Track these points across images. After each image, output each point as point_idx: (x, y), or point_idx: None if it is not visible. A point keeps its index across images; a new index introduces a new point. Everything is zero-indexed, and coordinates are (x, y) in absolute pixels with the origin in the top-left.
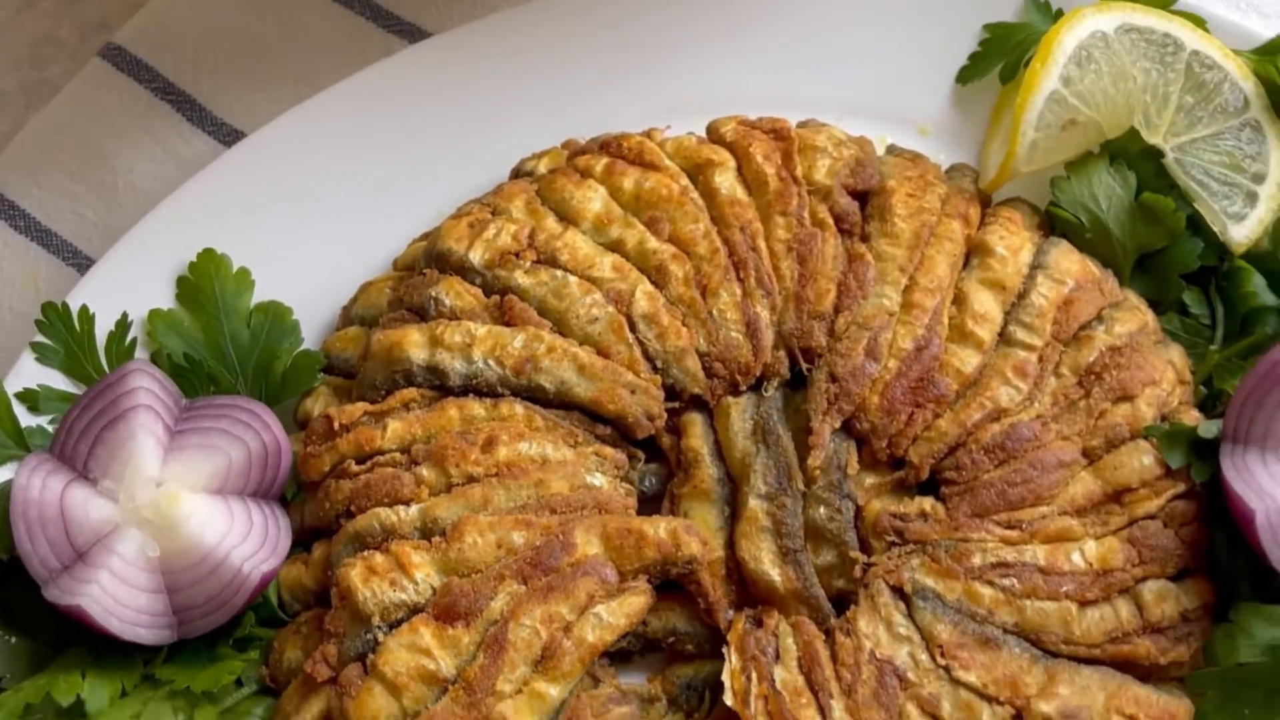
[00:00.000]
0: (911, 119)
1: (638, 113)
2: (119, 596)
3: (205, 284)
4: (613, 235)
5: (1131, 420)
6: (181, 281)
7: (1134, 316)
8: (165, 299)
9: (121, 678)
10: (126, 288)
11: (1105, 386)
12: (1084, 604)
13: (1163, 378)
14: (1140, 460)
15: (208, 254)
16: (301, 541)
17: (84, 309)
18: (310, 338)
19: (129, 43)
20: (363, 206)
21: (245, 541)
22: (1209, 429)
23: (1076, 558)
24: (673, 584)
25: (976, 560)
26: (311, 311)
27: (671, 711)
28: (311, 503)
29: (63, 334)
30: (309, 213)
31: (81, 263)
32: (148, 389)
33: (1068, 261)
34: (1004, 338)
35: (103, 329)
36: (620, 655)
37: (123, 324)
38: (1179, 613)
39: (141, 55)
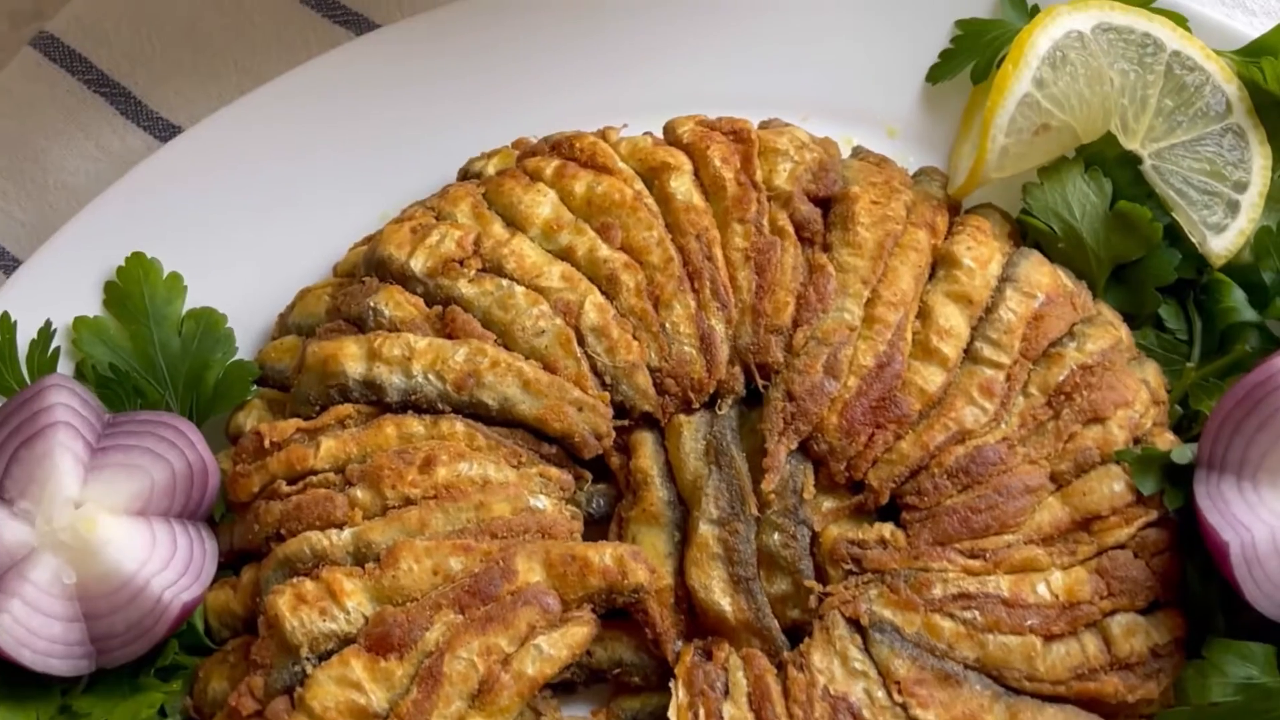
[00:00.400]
0: (879, 119)
1: (593, 110)
2: (32, 626)
3: (134, 290)
4: (562, 242)
5: (1102, 443)
6: (109, 287)
7: (1107, 333)
8: (93, 305)
9: (37, 710)
10: (52, 294)
11: (1075, 407)
12: (1049, 638)
13: (1136, 398)
14: (1111, 486)
15: (137, 258)
16: (230, 564)
17: (4, 316)
18: (245, 346)
19: (62, 31)
20: (303, 207)
21: (167, 568)
22: (1183, 454)
23: (1042, 589)
24: (619, 612)
25: (937, 591)
26: (247, 318)
27: None
28: (241, 524)
29: None
30: (246, 214)
31: (9, 264)
32: (66, 405)
33: (1038, 274)
34: (970, 354)
35: (25, 337)
36: (564, 686)
37: (45, 333)
38: (1148, 648)
39: (74, 45)
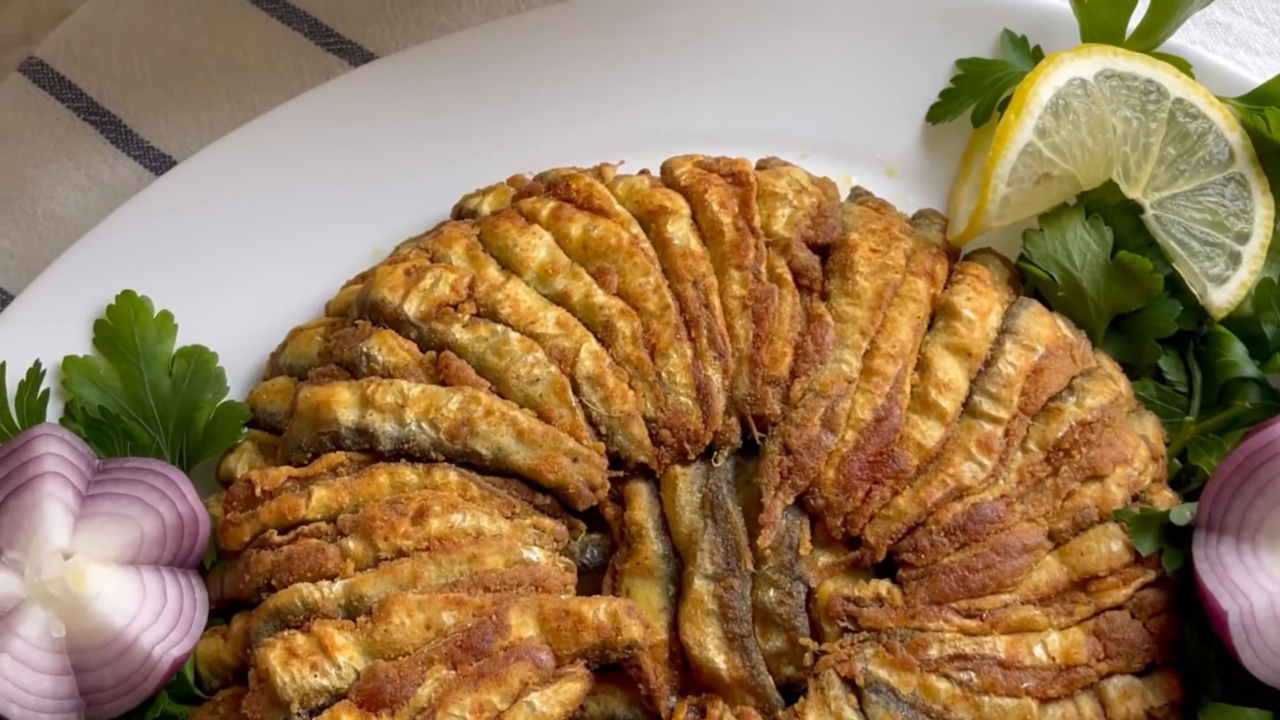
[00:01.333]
0: (879, 158)
1: (590, 146)
2: (21, 682)
3: (124, 329)
4: (558, 287)
5: (1101, 502)
6: (99, 326)
7: (1106, 387)
8: (83, 344)
9: None
10: (41, 332)
11: (1074, 465)
12: (1045, 700)
13: (1135, 455)
14: (1109, 546)
15: (127, 296)
16: (221, 611)
17: None
18: (236, 385)
19: (51, 57)
20: (295, 242)
21: (157, 622)
22: (1181, 515)
23: (1039, 651)
24: (613, 667)
25: (933, 651)
26: (238, 357)
27: None
28: (231, 572)
29: None
30: (237, 249)
31: None
32: (56, 454)
33: (1038, 326)
34: (968, 408)
35: (14, 378)
36: None
37: (34, 374)
38: (1145, 711)
39: (64, 71)
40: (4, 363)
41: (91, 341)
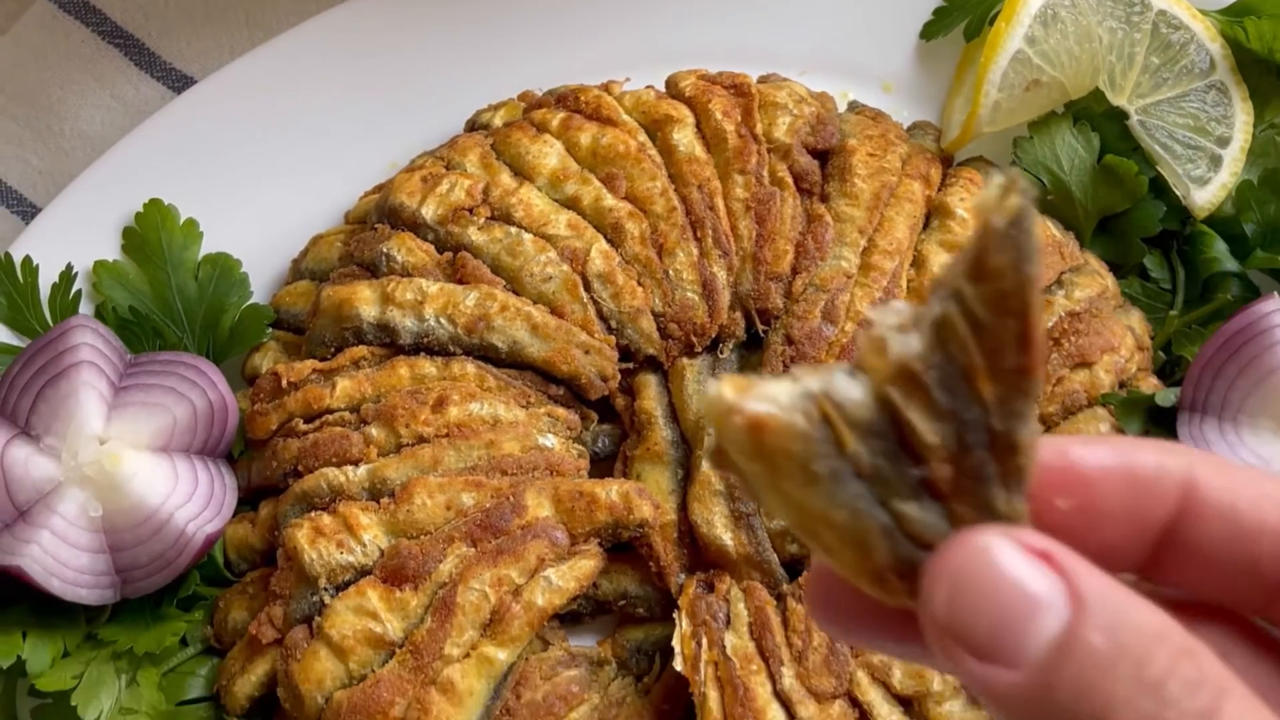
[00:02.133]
0: (875, 75)
1: (597, 65)
2: (60, 556)
3: (152, 235)
4: (568, 192)
5: (1089, 387)
6: (128, 233)
7: (1094, 281)
8: (111, 250)
9: (64, 638)
10: (71, 239)
11: (1063, 352)
12: None
13: (1121, 344)
14: (1097, 428)
15: (154, 204)
16: (249, 500)
17: (27, 260)
18: (259, 291)
19: None
20: (314, 157)
21: (190, 502)
22: (1166, 397)
23: None
24: (624, 546)
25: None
26: (261, 265)
27: (621, 675)
28: (259, 461)
29: (5, 286)
30: (259, 163)
31: (27, 210)
32: (91, 345)
33: None
34: None
35: (46, 281)
36: (571, 617)
37: (67, 276)
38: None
39: None
40: (37, 265)
41: (120, 248)
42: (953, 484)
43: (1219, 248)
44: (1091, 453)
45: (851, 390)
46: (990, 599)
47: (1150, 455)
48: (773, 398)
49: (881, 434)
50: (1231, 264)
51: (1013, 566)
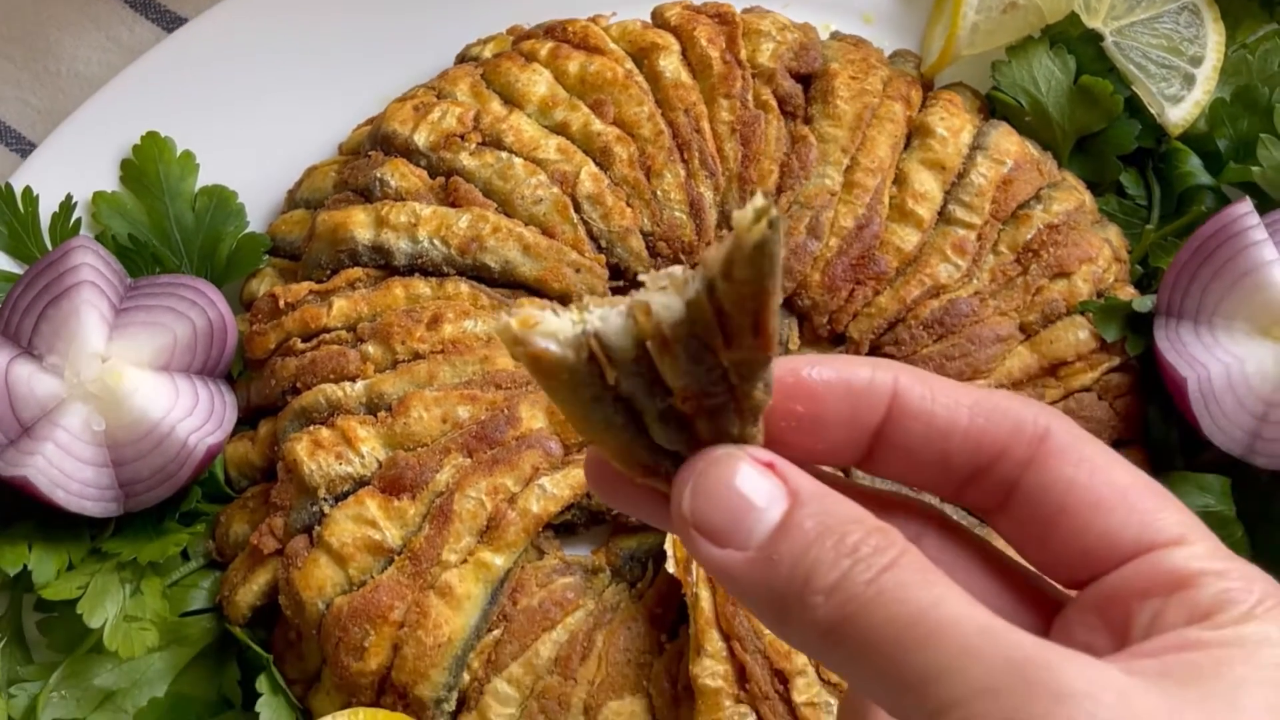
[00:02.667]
0: (855, 7)
1: (584, 1)
2: (65, 469)
3: (149, 167)
4: (557, 118)
5: (1068, 296)
6: (125, 165)
7: (1071, 196)
8: (110, 182)
9: (69, 551)
10: (70, 171)
11: (1043, 263)
12: None
13: (1099, 255)
14: (1076, 335)
15: (151, 137)
16: (248, 420)
17: (27, 190)
18: (255, 223)
19: None
20: (307, 92)
21: (191, 415)
22: (1143, 304)
23: None
24: None
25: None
26: (256, 197)
27: (615, 581)
28: (258, 381)
29: (6, 215)
30: (253, 99)
31: (26, 148)
32: (91, 265)
33: (1007, 142)
34: (943, 216)
35: (46, 211)
36: (565, 528)
37: (66, 206)
38: None
39: None
40: (37, 195)
41: (119, 179)
42: (694, 414)
43: (1193, 163)
44: (818, 370)
45: (620, 336)
46: (724, 497)
47: (864, 369)
48: (553, 334)
49: (639, 371)
50: (1205, 178)
51: (742, 472)
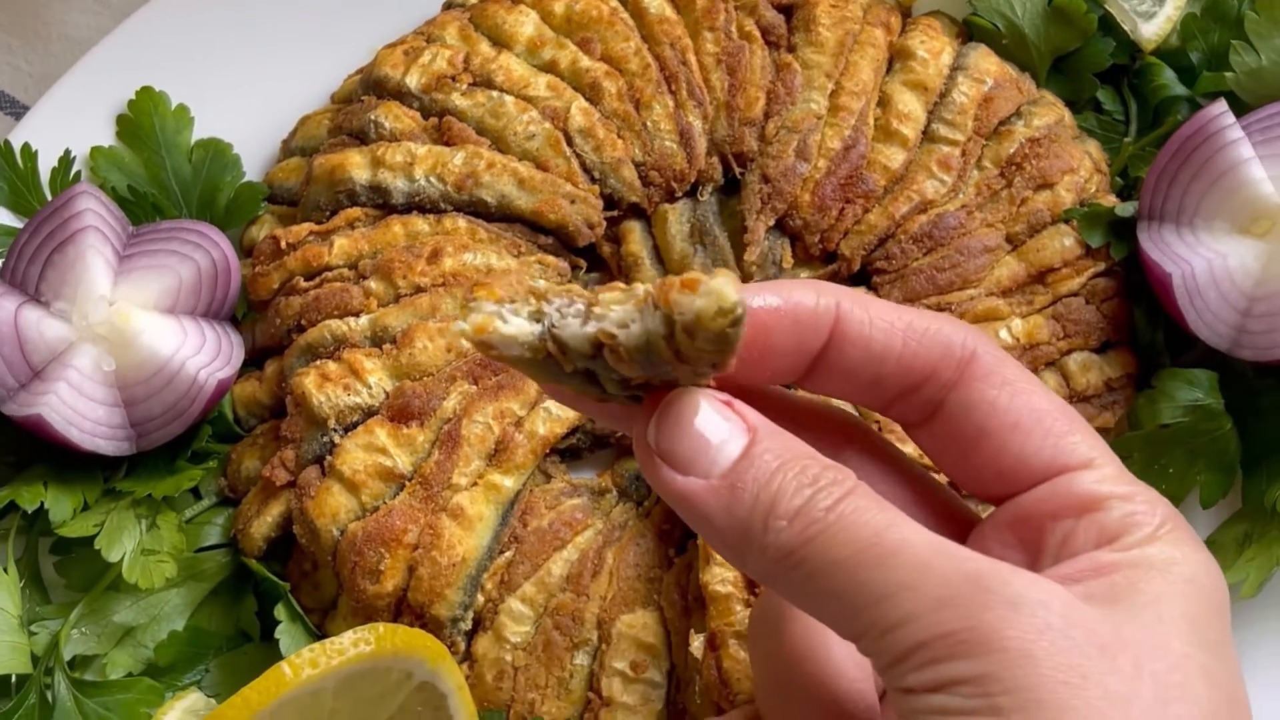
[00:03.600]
0: None
1: None
2: (78, 408)
3: (145, 121)
4: (546, 57)
5: (1052, 206)
6: (121, 120)
7: (1051, 111)
8: (106, 138)
9: (83, 491)
10: (66, 128)
11: (1026, 176)
12: None
13: (1080, 166)
14: (1061, 242)
15: (146, 92)
16: (254, 362)
17: (26, 146)
18: (251, 174)
19: None
20: (298, 44)
21: (200, 353)
22: (1126, 209)
23: (1004, 334)
24: None
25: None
26: (251, 149)
27: (621, 501)
28: (262, 322)
29: (5, 171)
30: (244, 53)
31: (19, 111)
32: (95, 211)
33: (986, 62)
34: (927, 135)
35: (45, 168)
36: (570, 453)
37: (65, 160)
38: (1103, 381)
39: None
40: (36, 150)
41: (114, 135)
42: (647, 383)
43: (1168, 75)
44: (765, 299)
45: (577, 341)
46: (688, 430)
47: (809, 295)
48: (512, 339)
49: (594, 357)
50: (1180, 89)
51: (705, 412)
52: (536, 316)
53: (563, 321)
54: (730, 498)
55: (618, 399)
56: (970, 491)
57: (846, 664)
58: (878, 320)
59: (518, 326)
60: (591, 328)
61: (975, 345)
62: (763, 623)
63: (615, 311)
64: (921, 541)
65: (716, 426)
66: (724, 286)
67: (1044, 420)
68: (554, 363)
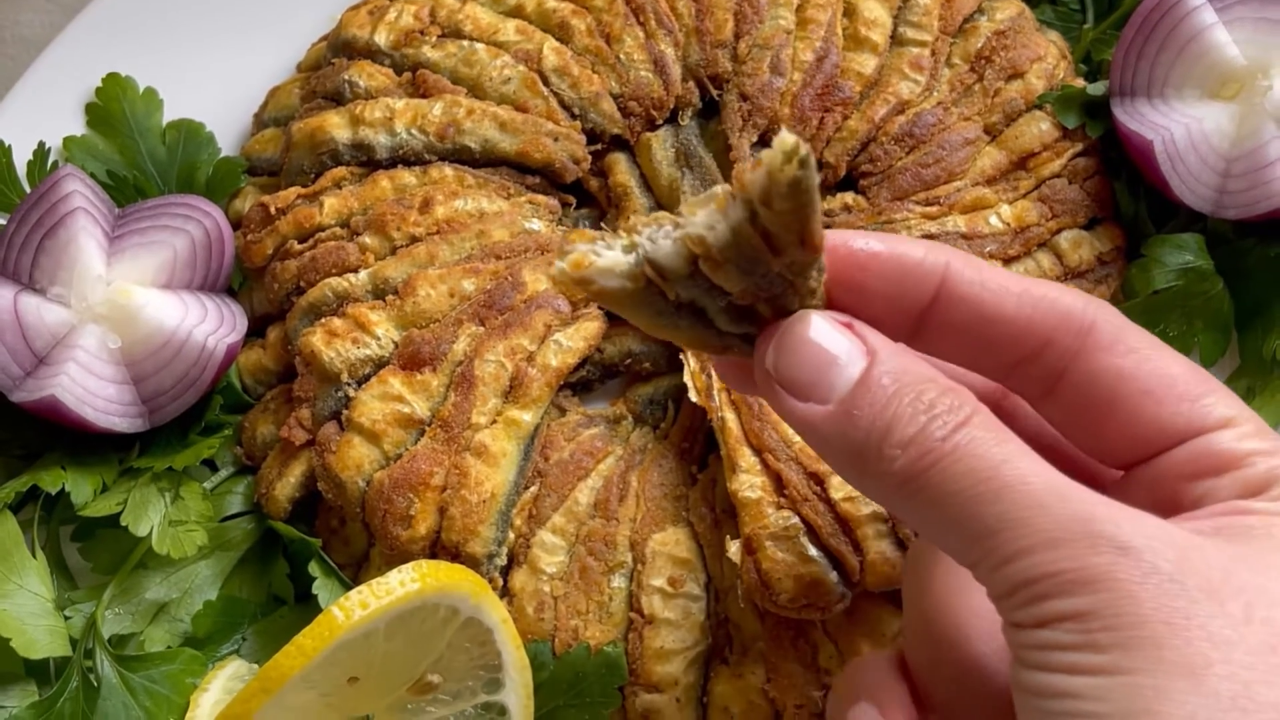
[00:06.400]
0: None
1: None
2: (89, 387)
3: (114, 107)
4: (511, 2)
5: (1025, 94)
6: (90, 108)
7: (1011, 4)
8: (76, 128)
9: (101, 473)
10: (36, 122)
11: (996, 68)
12: (1008, 260)
13: (1047, 53)
14: (1038, 127)
15: (112, 78)
16: (254, 331)
17: None
18: (226, 150)
19: None
20: (258, 18)
21: (205, 321)
22: (1098, 88)
23: (994, 220)
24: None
25: (904, 236)
26: (223, 127)
27: (638, 426)
28: (259, 289)
29: None
30: (206, 32)
31: None
32: (81, 193)
33: None
34: (896, 39)
35: (20, 161)
36: (581, 386)
37: (40, 151)
38: (1095, 256)
39: None
40: (10, 146)
41: (85, 123)
42: (755, 303)
43: None
44: (867, 242)
45: (672, 259)
46: (807, 354)
47: (917, 249)
48: (609, 270)
49: (695, 281)
50: None
51: (822, 330)
52: (629, 249)
53: (654, 245)
54: (847, 424)
55: (736, 348)
56: (1100, 459)
57: (983, 624)
58: (990, 283)
59: (612, 258)
60: (679, 234)
61: (1095, 313)
62: (914, 566)
63: (700, 215)
64: (1036, 477)
65: (835, 344)
66: (784, 134)
67: (1177, 384)
68: (658, 295)
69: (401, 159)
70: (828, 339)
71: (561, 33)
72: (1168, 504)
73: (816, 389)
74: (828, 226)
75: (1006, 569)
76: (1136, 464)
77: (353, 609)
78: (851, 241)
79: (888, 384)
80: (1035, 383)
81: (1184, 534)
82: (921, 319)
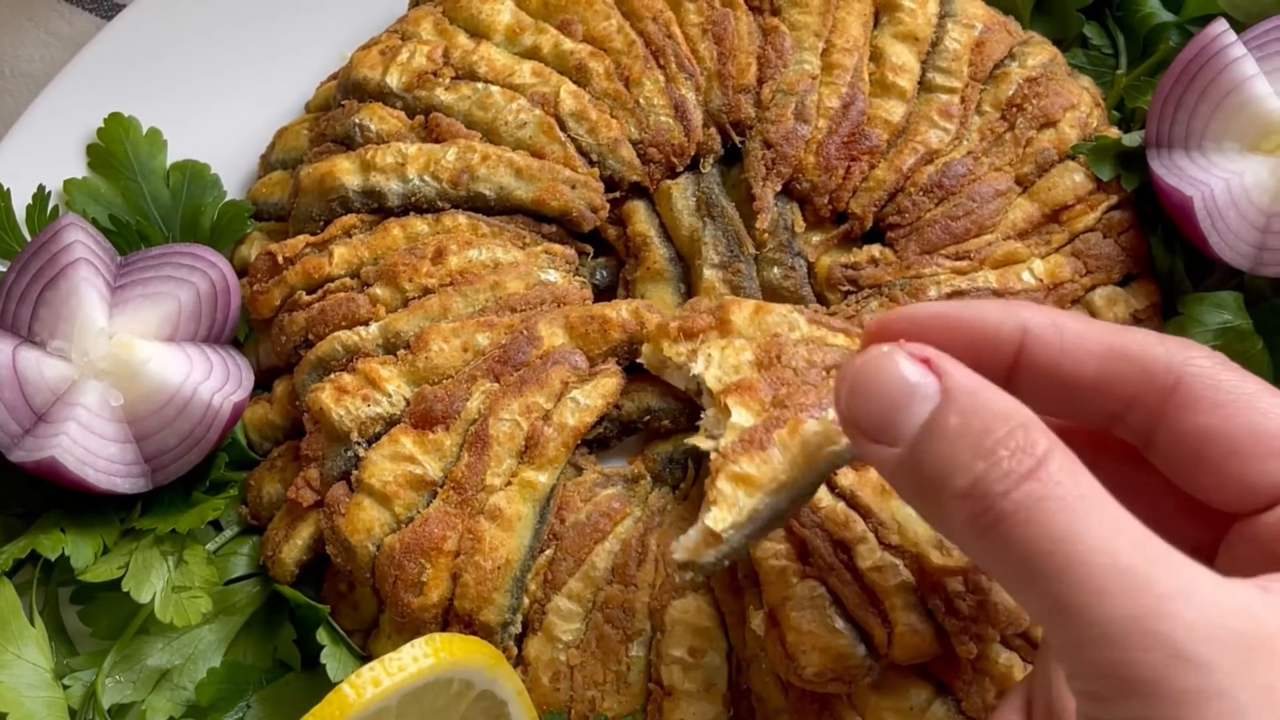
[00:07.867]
0: None
1: None
2: (90, 447)
3: (117, 148)
4: (527, 43)
5: (1057, 143)
6: (92, 149)
7: (1043, 50)
8: (77, 170)
9: (102, 535)
10: (36, 162)
11: (1028, 116)
12: None
13: (1080, 101)
14: (1072, 178)
15: (115, 118)
16: (260, 383)
17: None
18: (232, 193)
19: None
20: (264, 57)
21: (210, 377)
22: (1133, 139)
23: (1027, 276)
24: (639, 367)
25: (932, 293)
26: (229, 168)
27: (657, 486)
28: (266, 341)
29: None
30: (210, 70)
31: None
32: (83, 243)
33: (973, 7)
34: (924, 85)
35: (19, 205)
36: (598, 443)
37: (40, 195)
38: (1130, 314)
39: None
40: (8, 190)
41: (87, 165)
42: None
43: (1153, 3)
44: (932, 310)
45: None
46: (877, 393)
47: (993, 312)
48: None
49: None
50: (1167, 15)
51: (896, 366)
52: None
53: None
54: (915, 470)
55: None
56: (1211, 503)
57: None
58: (1070, 344)
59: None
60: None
61: (1181, 369)
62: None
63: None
64: (1102, 555)
65: (906, 380)
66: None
67: (1262, 442)
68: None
69: (414, 206)
70: (898, 378)
71: (579, 75)
72: (1270, 560)
73: (885, 431)
74: (854, 280)
75: (1068, 658)
76: (1240, 516)
77: (364, 686)
78: (917, 313)
79: (953, 425)
80: (1131, 435)
81: (1258, 619)
82: (1009, 377)
